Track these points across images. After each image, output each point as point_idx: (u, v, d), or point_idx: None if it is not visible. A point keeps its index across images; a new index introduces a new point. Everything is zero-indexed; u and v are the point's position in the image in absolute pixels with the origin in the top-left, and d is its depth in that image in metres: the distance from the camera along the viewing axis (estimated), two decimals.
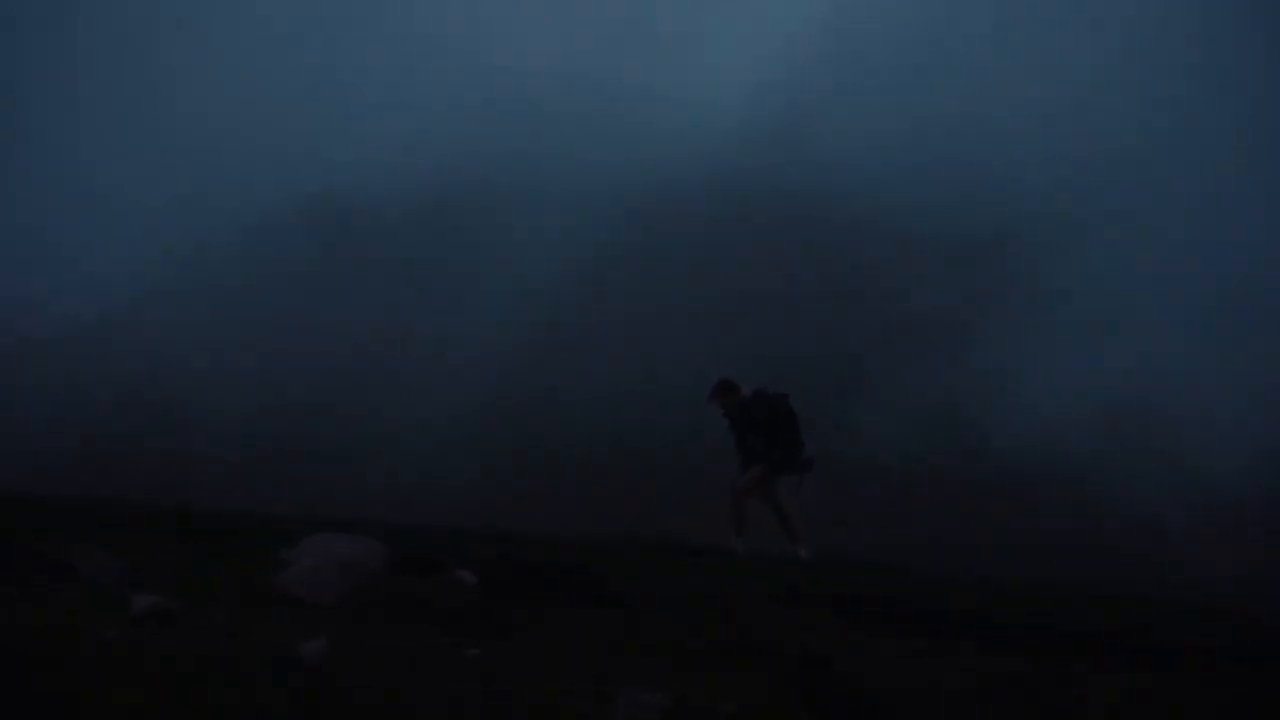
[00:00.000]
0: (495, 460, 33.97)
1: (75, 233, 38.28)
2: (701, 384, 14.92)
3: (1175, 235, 34.49)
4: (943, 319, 35.25)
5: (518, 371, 36.09)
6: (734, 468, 14.37)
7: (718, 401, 14.22)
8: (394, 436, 34.32)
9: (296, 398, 36.23)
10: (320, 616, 8.15)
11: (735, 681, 7.68)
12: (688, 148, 37.55)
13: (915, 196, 36.50)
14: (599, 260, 37.05)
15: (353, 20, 42.71)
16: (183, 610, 7.79)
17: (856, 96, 38.93)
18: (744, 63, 39.57)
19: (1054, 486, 32.46)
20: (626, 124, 38.73)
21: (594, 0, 41.68)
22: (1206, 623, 12.67)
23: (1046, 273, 35.23)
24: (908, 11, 39.84)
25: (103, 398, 36.61)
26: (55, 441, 34.21)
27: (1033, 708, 7.38)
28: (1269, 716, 8.01)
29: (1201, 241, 34.13)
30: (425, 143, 39.34)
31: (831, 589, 10.16)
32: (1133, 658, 8.93)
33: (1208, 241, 34.11)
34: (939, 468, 33.62)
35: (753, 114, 38.66)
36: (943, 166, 37.17)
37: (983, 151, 36.75)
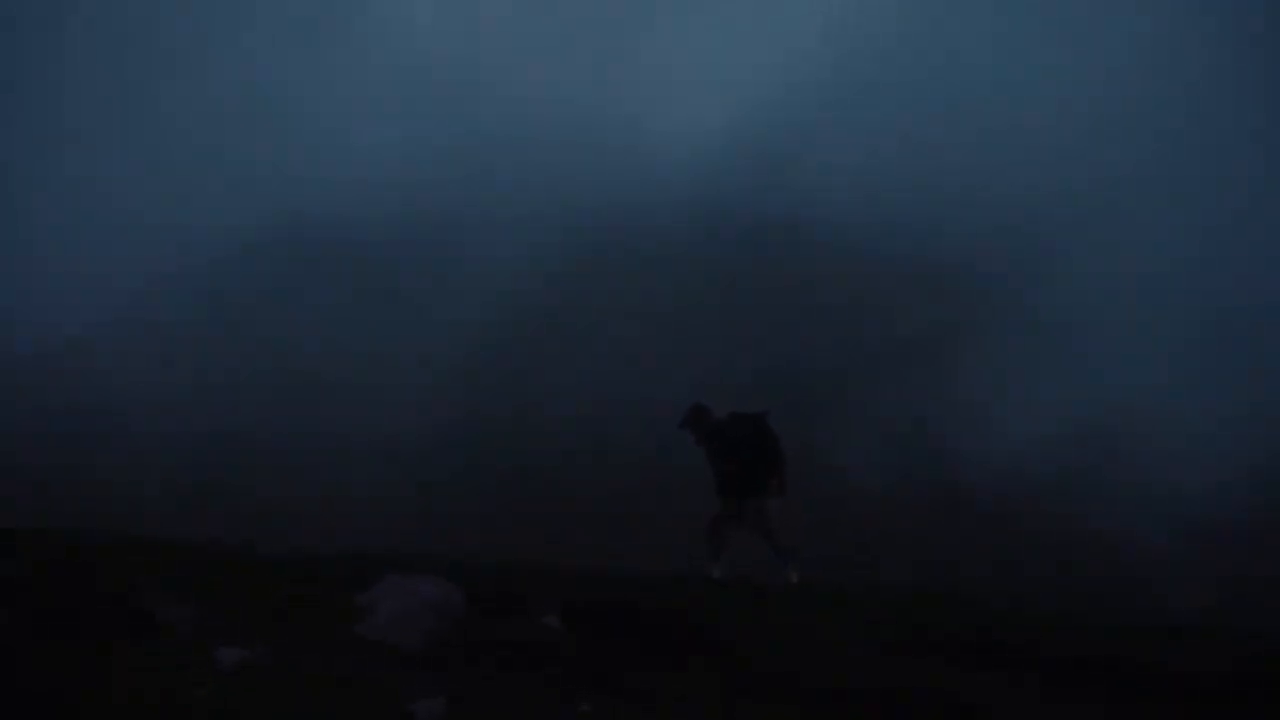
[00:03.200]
0: (465, 480, 33.30)
1: (37, 256, 37.24)
2: (675, 404, 14.45)
3: (1150, 262, 34.80)
4: (920, 344, 35.21)
5: (489, 391, 35.46)
6: (712, 495, 13.90)
7: (689, 429, 13.76)
8: (366, 458, 33.50)
9: (261, 421, 35.26)
10: (415, 666, 7.56)
11: None
12: (669, 172, 37.28)
13: (893, 221, 36.51)
14: (578, 280, 36.64)
15: (324, 43, 41.89)
16: (272, 663, 7.17)
17: (837, 122, 38.92)
18: (726, 90, 39.48)
19: (1027, 510, 32.45)
20: (608, 148, 38.36)
21: (577, 28, 41.31)
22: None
23: (1022, 299, 35.36)
24: (888, 40, 39.96)
25: (53, 420, 35.40)
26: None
27: None
28: None
29: (1174, 268, 34.49)
30: (399, 166, 38.74)
31: (943, 631, 9.74)
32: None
33: (1181, 268, 34.48)
34: (913, 490, 33.51)
35: (734, 139, 38.49)
36: (921, 192, 37.22)
37: (961, 178, 36.88)
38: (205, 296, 38.38)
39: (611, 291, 36.90)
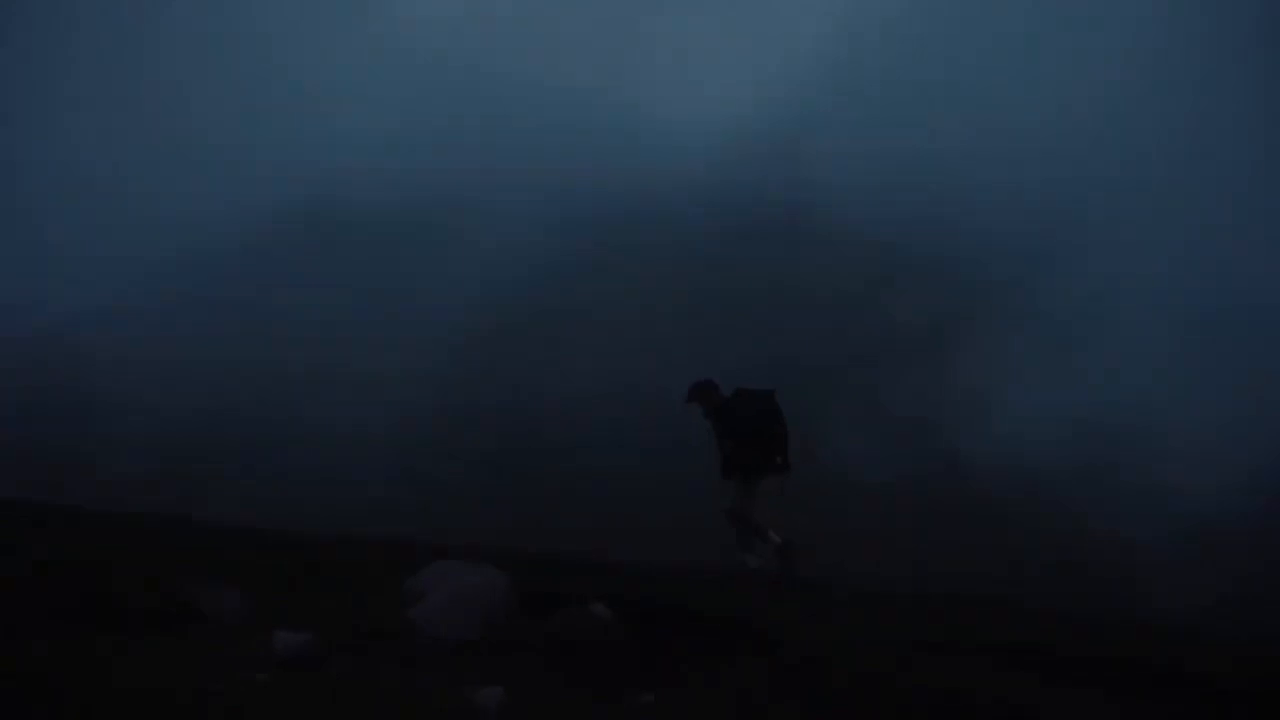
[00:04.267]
0: (468, 472, 33.26)
1: (38, 246, 37.17)
2: (678, 391, 14.36)
3: (1155, 257, 34.87)
4: (922, 339, 35.26)
5: (490, 383, 35.42)
6: (716, 474, 13.87)
7: (696, 403, 13.69)
8: (366, 450, 33.42)
9: (258, 414, 35.15)
10: (468, 653, 7.59)
11: None
12: (673, 161, 37.26)
13: (896, 212, 36.53)
14: (579, 267, 36.66)
15: (327, 28, 41.71)
16: (328, 650, 7.18)
17: (842, 114, 38.93)
18: (731, 80, 39.46)
19: (1028, 506, 32.47)
20: (612, 136, 38.36)
21: (583, 15, 41.23)
22: None
23: (1025, 291, 35.41)
24: (896, 33, 40.00)
25: (51, 412, 35.24)
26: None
27: None
28: None
29: (1180, 263, 34.54)
30: (405, 152, 38.62)
31: (975, 633, 9.80)
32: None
33: (1186, 263, 34.53)
34: (912, 484, 33.51)
35: (738, 129, 38.48)
36: (926, 187, 37.26)
37: (966, 169, 36.92)
38: (205, 288, 38.23)
39: (614, 284, 36.94)
